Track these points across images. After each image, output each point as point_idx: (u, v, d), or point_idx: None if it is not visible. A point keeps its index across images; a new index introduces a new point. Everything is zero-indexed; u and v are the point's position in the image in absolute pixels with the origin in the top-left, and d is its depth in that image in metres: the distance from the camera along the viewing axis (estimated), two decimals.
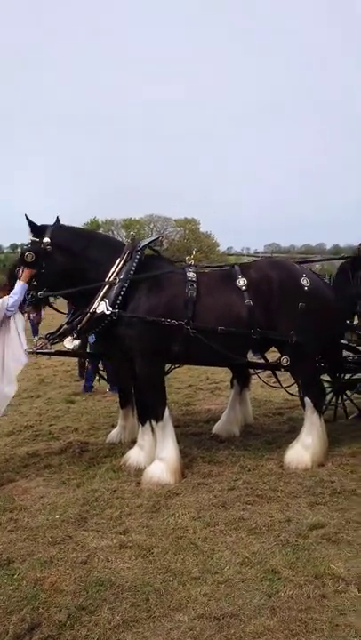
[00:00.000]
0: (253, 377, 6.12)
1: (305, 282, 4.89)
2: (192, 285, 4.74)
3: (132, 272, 4.66)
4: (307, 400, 4.99)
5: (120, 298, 4.60)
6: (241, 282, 4.83)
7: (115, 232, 58.75)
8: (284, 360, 4.91)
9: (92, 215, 61.28)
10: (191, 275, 4.82)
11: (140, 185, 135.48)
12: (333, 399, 6.31)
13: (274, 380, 5.89)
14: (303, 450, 4.82)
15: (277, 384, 5.69)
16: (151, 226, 63.24)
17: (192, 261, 5.13)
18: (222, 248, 69.38)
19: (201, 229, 63.80)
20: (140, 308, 4.62)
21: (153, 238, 5.32)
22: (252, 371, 5.95)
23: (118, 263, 4.71)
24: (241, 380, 5.97)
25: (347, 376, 6.02)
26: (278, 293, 4.83)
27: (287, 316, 4.82)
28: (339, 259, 6.43)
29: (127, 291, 4.62)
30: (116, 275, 4.67)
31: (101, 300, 4.61)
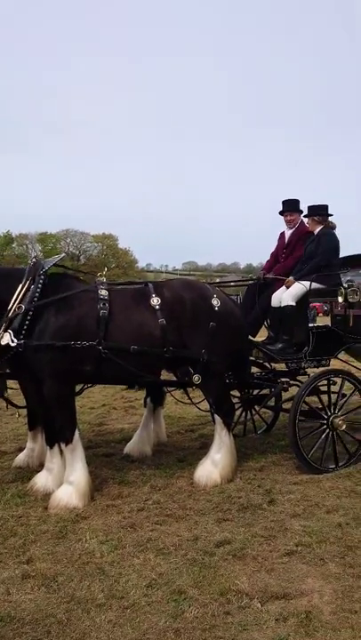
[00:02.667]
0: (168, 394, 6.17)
1: (215, 302, 5.02)
2: (104, 304, 4.71)
3: (36, 297, 4.54)
4: (217, 417, 5.11)
5: (25, 326, 4.47)
6: (155, 301, 4.87)
7: (30, 246, 57.17)
8: (196, 378, 5.00)
9: (4, 229, 59.07)
10: (103, 293, 4.79)
11: (58, 198, 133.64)
12: (243, 414, 6.49)
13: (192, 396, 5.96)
14: (212, 466, 4.89)
15: (194, 401, 5.76)
16: (68, 241, 62.23)
17: (104, 278, 5.10)
18: (141, 264, 69.88)
19: (120, 245, 63.76)
20: (48, 333, 4.50)
21: (58, 257, 5.21)
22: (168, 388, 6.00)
23: (20, 291, 4.56)
24: (155, 398, 5.99)
25: (255, 391, 6.23)
26: (190, 313, 4.92)
27: (198, 335, 4.92)
28: (246, 282, 6.69)
29: (33, 317, 4.49)
30: (19, 302, 4.52)
31: (5, 331, 4.45)
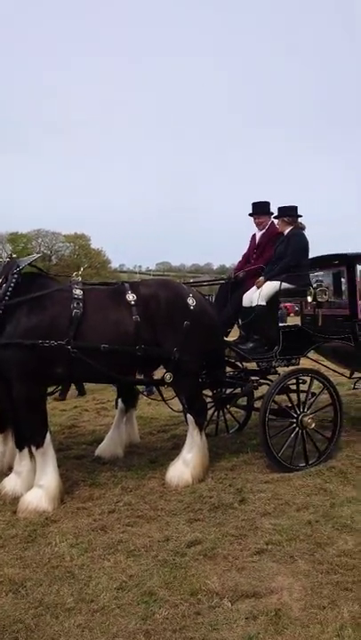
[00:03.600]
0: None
1: (191, 301, 5.04)
2: (78, 303, 4.66)
3: (7, 296, 4.46)
4: (189, 417, 5.12)
5: None
6: (130, 297, 4.86)
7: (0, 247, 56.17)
8: (168, 377, 5.00)
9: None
10: (78, 292, 4.74)
11: (29, 198, 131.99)
12: (215, 414, 6.51)
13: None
14: (184, 466, 4.90)
15: (168, 400, 5.74)
16: (39, 240, 61.37)
17: (79, 278, 5.06)
18: (114, 265, 69.49)
19: (92, 245, 63.24)
20: (18, 332, 4.43)
21: (34, 257, 5.16)
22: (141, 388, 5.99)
23: None
24: (127, 399, 5.95)
25: (227, 391, 6.26)
26: (165, 311, 4.92)
27: (172, 333, 4.92)
28: (218, 281, 6.72)
29: (3, 316, 4.41)
30: None
31: None
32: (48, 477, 4.45)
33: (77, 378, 4.96)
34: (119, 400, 5.93)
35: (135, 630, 2.80)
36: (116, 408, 6.00)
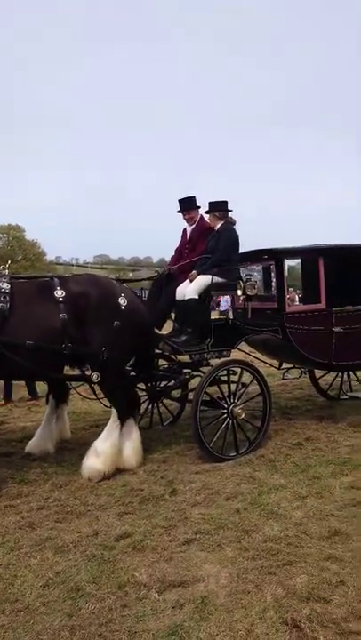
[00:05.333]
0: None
1: (122, 301, 5.00)
2: (4, 297, 4.52)
3: None
4: (113, 411, 5.09)
5: None
6: (59, 293, 4.75)
7: None
8: (95, 376, 4.96)
9: None
10: (5, 286, 4.60)
11: None
12: (149, 407, 6.52)
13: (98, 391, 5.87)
14: (94, 457, 4.85)
15: (98, 396, 5.68)
16: None
17: (7, 271, 4.92)
18: (50, 257, 67.79)
19: (27, 237, 61.31)
20: None
21: None
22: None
23: None
24: (57, 394, 5.84)
25: (161, 384, 6.28)
26: (95, 310, 4.84)
27: (101, 332, 4.86)
28: (151, 278, 6.73)
29: None
30: None
31: None
32: None
33: (3, 374, 4.81)
34: (50, 396, 5.82)
35: (60, 627, 2.76)
36: (47, 404, 5.88)
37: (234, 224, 5.95)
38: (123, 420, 5.09)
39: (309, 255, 6.53)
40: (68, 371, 5.50)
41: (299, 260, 7.36)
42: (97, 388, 5.27)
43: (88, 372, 5.15)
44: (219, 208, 5.91)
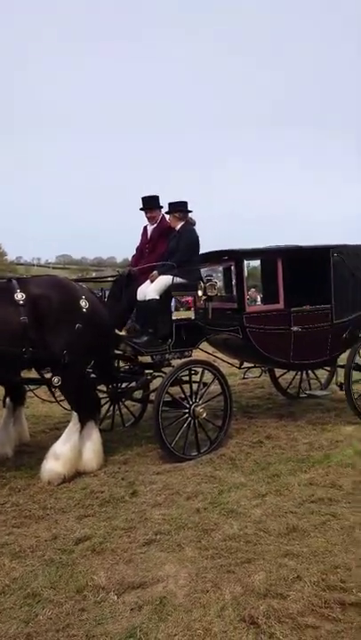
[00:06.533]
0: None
1: (84, 304, 4.94)
2: None
3: None
4: (73, 413, 5.04)
5: None
6: (19, 296, 4.66)
7: None
8: (56, 380, 4.90)
9: None
10: None
11: None
12: (110, 408, 6.47)
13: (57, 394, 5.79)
14: (54, 460, 4.78)
15: (59, 399, 5.60)
16: None
17: None
18: (11, 257, 66.57)
19: None
20: None
21: None
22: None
23: None
24: (14, 397, 5.73)
25: (123, 385, 6.24)
26: (56, 313, 4.77)
27: (62, 335, 4.79)
28: (113, 277, 6.70)
29: None
30: None
31: None
32: None
33: None
34: (7, 399, 5.70)
35: (16, 634, 2.71)
36: (4, 407, 5.76)
37: (194, 224, 5.97)
38: (83, 422, 5.04)
39: (269, 256, 6.62)
40: (26, 373, 5.42)
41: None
42: (57, 390, 5.20)
43: (48, 375, 5.08)
44: (179, 209, 5.93)
